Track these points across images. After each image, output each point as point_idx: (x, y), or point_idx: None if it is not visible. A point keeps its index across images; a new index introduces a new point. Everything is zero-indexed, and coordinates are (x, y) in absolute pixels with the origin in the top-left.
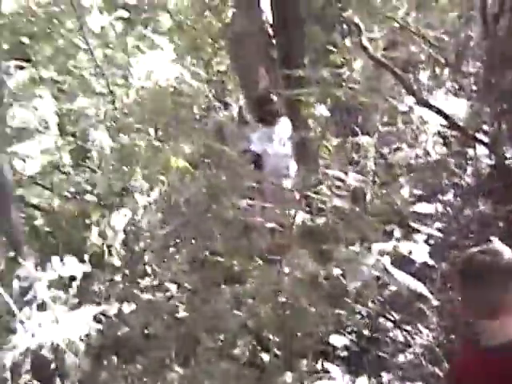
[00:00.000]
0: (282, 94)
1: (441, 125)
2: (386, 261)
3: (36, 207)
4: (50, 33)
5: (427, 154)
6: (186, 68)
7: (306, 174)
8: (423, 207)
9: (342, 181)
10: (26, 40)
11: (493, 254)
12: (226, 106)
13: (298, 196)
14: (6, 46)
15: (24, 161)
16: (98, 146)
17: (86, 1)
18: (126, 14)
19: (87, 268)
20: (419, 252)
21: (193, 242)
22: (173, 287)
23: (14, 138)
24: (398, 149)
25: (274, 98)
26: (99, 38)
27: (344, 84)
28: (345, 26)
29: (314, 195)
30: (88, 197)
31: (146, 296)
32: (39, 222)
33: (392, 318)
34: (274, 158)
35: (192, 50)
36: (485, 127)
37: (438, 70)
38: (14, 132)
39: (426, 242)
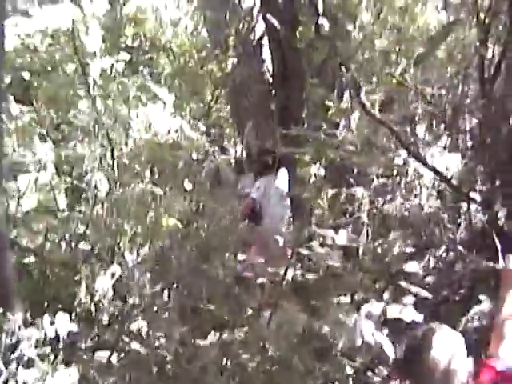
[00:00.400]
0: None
1: (435, 178)
2: (373, 326)
3: (29, 250)
4: (50, 71)
5: (421, 206)
6: (185, 119)
7: (298, 230)
8: (413, 266)
9: (333, 240)
10: (26, 75)
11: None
12: (224, 150)
13: (289, 252)
14: (7, 80)
15: (18, 199)
16: (94, 187)
17: (90, 45)
18: (127, 57)
19: (75, 327)
20: (408, 313)
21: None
22: (161, 339)
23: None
24: (391, 200)
25: (273, 150)
26: (100, 88)
27: (339, 145)
28: (343, 79)
29: (305, 252)
30: (81, 244)
31: (134, 346)
32: (30, 268)
33: (380, 373)
34: (272, 207)
35: (192, 95)
36: (478, 184)
37: (434, 125)
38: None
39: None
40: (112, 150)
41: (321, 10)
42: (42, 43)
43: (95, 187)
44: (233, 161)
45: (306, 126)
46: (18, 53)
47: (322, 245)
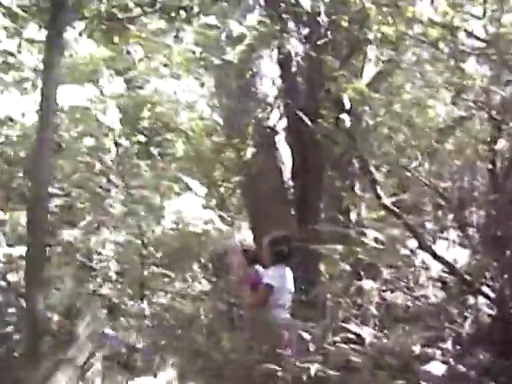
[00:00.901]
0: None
1: (442, 270)
2: None
3: None
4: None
5: (427, 298)
6: (213, 210)
7: (326, 327)
8: (435, 367)
9: (358, 335)
10: None
11: None
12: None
13: (312, 347)
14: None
15: None
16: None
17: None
18: (143, 139)
19: None
20: None
21: None
22: None
23: None
24: (397, 290)
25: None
26: (132, 177)
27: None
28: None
29: (328, 347)
30: None
31: None
32: None
33: None
34: (282, 297)
35: (209, 184)
36: (488, 279)
37: (441, 216)
38: None
39: None
40: (142, 238)
41: (342, 105)
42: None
43: (108, 267)
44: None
45: (323, 216)
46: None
47: (344, 342)
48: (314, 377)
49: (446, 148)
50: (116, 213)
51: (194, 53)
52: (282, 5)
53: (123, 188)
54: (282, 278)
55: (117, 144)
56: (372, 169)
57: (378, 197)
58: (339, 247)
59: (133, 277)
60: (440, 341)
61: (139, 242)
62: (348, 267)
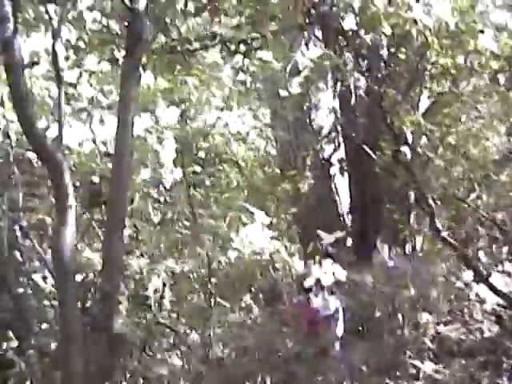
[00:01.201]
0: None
1: (497, 304)
2: None
3: None
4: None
5: (481, 331)
6: (280, 241)
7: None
8: None
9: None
10: (96, 179)
11: None
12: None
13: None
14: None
15: None
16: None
17: (164, 155)
18: (198, 169)
19: None
20: None
21: None
22: None
23: None
24: (451, 322)
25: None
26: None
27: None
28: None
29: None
30: None
31: None
32: None
33: None
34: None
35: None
36: None
37: (497, 249)
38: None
39: None
40: (209, 267)
41: (403, 137)
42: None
43: (162, 296)
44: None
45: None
46: (91, 157)
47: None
48: None
49: (501, 179)
50: (182, 241)
51: (249, 85)
52: (342, 38)
53: (191, 217)
54: (335, 308)
55: (184, 172)
56: (430, 201)
57: (437, 230)
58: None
59: (193, 306)
60: (496, 376)
61: (204, 271)
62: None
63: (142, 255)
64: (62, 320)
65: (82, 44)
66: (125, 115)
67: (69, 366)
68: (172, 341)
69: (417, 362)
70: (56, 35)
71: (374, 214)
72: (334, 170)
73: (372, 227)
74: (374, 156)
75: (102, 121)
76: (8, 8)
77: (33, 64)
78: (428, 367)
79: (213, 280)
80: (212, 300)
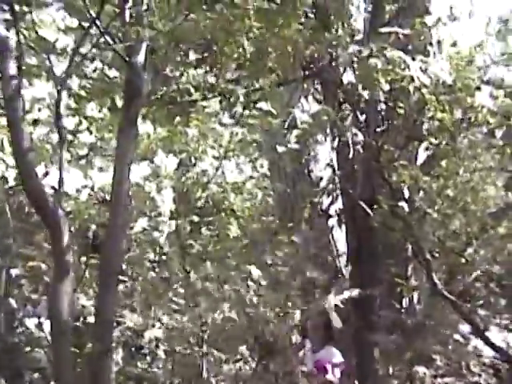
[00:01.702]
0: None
1: (494, 357)
2: None
3: None
4: None
5: None
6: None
7: None
8: None
9: None
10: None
11: None
12: None
13: None
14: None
15: None
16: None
17: (162, 204)
18: (196, 219)
19: None
20: None
21: None
22: None
23: None
24: (449, 375)
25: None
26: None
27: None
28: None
29: None
30: None
31: None
32: None
33: None
34: None
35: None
36: None
37: (494, 302)
38: None
39: None
40: (202, 328)
41: (400, 192)
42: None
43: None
44: None
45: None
46: (89, 204)
47: None
48: None
49: (498, 232)
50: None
51: (248, 136)
52: (341, 92)
53: (185, 278)
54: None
55: (177, 226)
56: (427, 255)
57: (433, 283)
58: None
59: (186, 359)
60: None
61: (198, 329)
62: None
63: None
64: (56, 374)
65: (83, 92)
66: (121, 167)
67: None
68: None
69: None
70: (62, 85)
71: (370, 268)
72: (332, 221)
73: (369, 280)
74: (370, 210)
75: (101, 168)
76: (13, 65)
77: (34, 122)
78: None
79: (206, 335)
80: (204, 353)
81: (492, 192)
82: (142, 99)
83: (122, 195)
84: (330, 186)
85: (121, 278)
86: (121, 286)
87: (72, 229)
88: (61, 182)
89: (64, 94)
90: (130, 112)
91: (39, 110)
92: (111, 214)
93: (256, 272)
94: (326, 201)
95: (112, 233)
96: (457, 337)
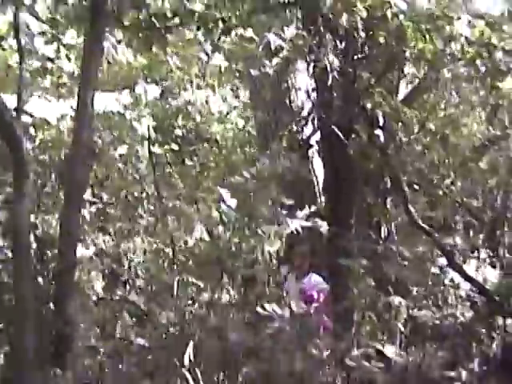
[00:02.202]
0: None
1: (471, 290)
2: None
3: None
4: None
5: (455, 317)
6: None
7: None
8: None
9: (380, 352)
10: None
11: None
12: None
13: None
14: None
15: None
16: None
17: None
18: (176, 147)
19: None
20: None
21: None
22: None
23: None
24: (425, 308)
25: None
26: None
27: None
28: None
29: (350, 363)
30: None
31: None
32: None
33: None
34: None
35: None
36: None
37: (473, 236)
38: None
39: None
40: (173, 248)
41: (377, 120)
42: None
43: (136, 274)
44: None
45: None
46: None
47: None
48: None
49: (479, 167)
50: (148, 222)
51: (229, 64)
52: (320, 19)
53: (157, 197)
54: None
55: (150, 152)
56: (404, 185)
57: (409, 214)
58: (365, 262)
59: (162, 285)
60: (466, 361)
61: (170, 250)
62: (372, 282)
63: (109, 234)
64: (16, 295)
65: (58, 17)
66: (85, 90)
67: (22, 342)
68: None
69: (378, 345)
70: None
71: (347, 197)
72: (312, 151)
73: (345, 210)
74: (347, 139)
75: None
76: None
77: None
78: (390, 351)
79: (180, 259)
80: (179, 279)
81: (475, 127)
82: (106, 17)
83: (86, 116)
84: (309, 114)
85: (93, 200)
86: (93, 208)
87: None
88: (20, 99)
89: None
90: (94, 30)
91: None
92: (73, 142)
93: (227, 195)
94: (307, 130)
95: (75, 152)
96: (434, 269)
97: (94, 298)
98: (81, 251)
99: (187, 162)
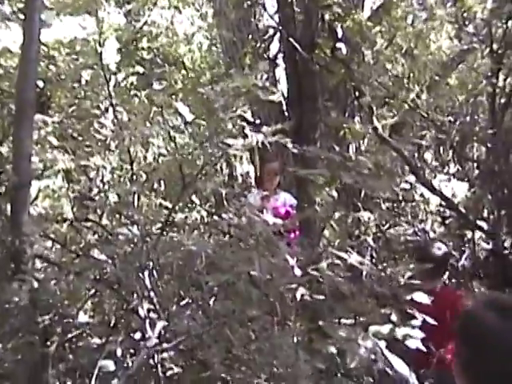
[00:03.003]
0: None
1: (440, 205)
2: (382, 344)
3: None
4: (64, 80)
5: (425, 232)
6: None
7: (310, 250)
8: (420, 296)
9: (344, 260)
10: (40, 83)
11: None
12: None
13: (299, 271)
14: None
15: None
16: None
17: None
18: (141, 70)
19: None
20: (414, 338)
21: None
22: None
23: None
24: (396, 225)
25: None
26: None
27: (355, 168)
28: (355, 103)
29: (314, 272)
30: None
31: None
32: None
33: None
34: None
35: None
36: (485, 213)
37: (442, 152)
38: None
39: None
40: (131, 164)
41: (339, 34)
42: (59, 52)
43: (106, 197)
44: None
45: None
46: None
47: (329, 267)
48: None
49: (448, 82)
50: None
51: None
52: None
53: (113, 112)
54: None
55: (116, 74)
56: (369, 99)
57: (375, 129)
58: (325, 171)
59: (128, 205)
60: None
61: (128, 167)
62: (335, 193)
63: (67, 151)
64: None
65: None
66: (31, 14)
67: None
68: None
69: (341, 254)
70: None
71: (311, 113)
72: (279, 69)
73: (309, 124)
74: (310, 53)
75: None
76: None
77: None
78: (353, 258)
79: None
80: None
81: (445, 44)
82: None
83: (34, 32)
84: (274, 31)
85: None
86: (49, 128)
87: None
88: None
89: None
90: None
91: None
92: (22, 50)
93: (184, 109)
94: (272, 48)
95: (22, 70)
96: (404, 185)
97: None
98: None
99: (155, 86)
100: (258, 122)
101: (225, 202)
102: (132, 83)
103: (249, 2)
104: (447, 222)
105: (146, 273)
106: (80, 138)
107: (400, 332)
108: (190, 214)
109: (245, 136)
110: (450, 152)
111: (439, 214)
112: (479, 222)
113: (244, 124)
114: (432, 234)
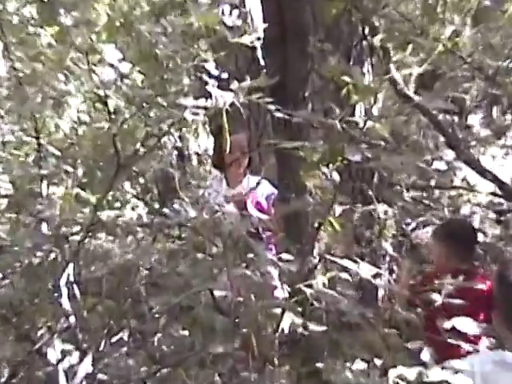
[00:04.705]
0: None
1: (493, 193)
2: None
3: None
4: None
5: None
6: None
7: (298, 260)
8: (464, 324)
9: (348, 272)
10: None
11: None
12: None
13: (285, 290)
14: None
15: None
16: None
17: None
18: None
19: None
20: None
21: None
22: None
23: None
24: (427, 224)
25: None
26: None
27: (363, 139)
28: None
29: (307, 290)
30: None
31: None
32: None
33: None
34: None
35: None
36: None
37: (495, 113)
38: None
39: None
40: (37, 137)
41: None
42: None
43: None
44: None
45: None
46: None
47: (330, 282)
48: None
49: (504, 10)
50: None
51: None
52: None
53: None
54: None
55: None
56: (383, 37)
57: (393, 81)
58: (319, 144)
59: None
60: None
61: (33, 140)
62: (335, 176)
63: None
64: None
65: None
66: None
67: None
68: None
69: (347, 263)
70: None
71: (299, 61)
72: None
73: (295, 77)
74: None
75: None
76: None
77: None
78: (364, 270)
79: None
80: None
81: None
82: None
83: None
84: None
85: None
86: None
87: None
88: None
89: None
90: None
91: None
92: None
93: (115, 55)
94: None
95: None
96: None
97: None
98: None
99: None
100: (223, 74)
101: (174, 192)
102: (32, 16)
103: None
104: (503, 218)
105: (63, 294)
106: None
107: (433, 376)
108: (124, 211)
109: (207, 95)
110: (507, 114)
111: (491, 208)
112: None
113: (205, 77)
114: (481, 237)
